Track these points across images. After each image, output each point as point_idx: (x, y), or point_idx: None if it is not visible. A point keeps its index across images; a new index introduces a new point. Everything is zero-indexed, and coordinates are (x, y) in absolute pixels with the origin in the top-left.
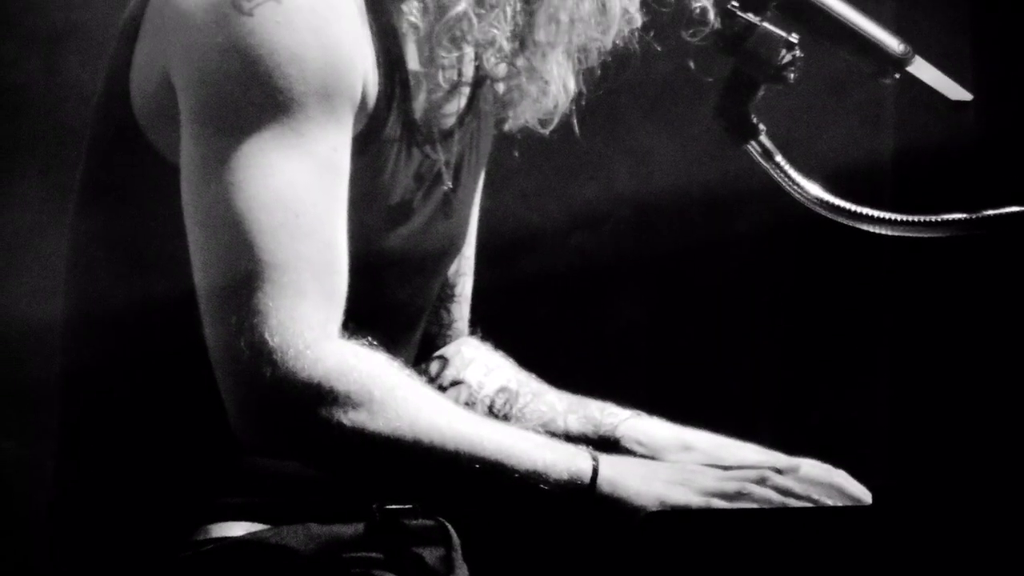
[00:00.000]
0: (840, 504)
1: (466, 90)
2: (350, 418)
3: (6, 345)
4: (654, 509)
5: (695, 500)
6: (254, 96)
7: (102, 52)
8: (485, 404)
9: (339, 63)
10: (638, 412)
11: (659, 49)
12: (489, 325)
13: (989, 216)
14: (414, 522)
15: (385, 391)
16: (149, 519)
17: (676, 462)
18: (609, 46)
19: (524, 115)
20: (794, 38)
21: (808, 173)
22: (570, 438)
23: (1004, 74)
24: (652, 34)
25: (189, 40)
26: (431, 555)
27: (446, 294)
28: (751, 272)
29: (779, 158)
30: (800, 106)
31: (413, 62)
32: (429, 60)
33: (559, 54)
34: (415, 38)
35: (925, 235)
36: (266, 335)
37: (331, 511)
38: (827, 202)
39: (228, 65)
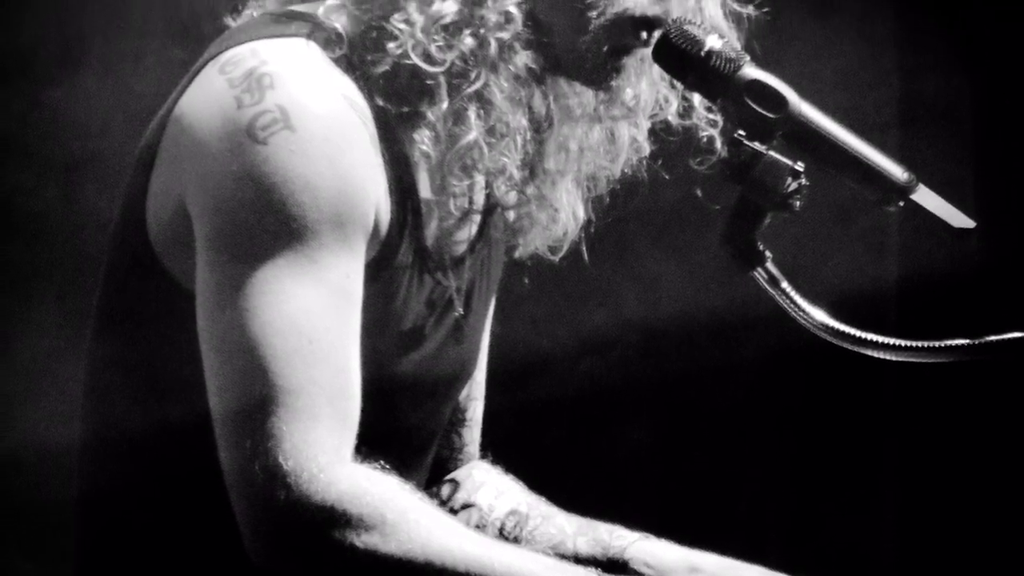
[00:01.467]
0: None
1: (477, 217)
2: (363, 540)
3: (25, 468)
4: None
5: None
6: (268, 224)
7: (118, 180)
8: (496, 527)
9: (352, 191)
10: (646, 534)
11: (667, 177)
12: (500, 449)
13: (992, 342)
14: None
15: (397, 514)
16: None
17: None
18: (618, 174)
19: (534, 242)
20: (800, 166)
21: (814, 299)
22: (579, 560)
23: (1006, 201)
24: (660, 162)
25: (204, 168)
26: None
27: (457, 418)
28: (758, 397)
29: (785, 284)
30: (806, 233)
31: (425, 190)
32: (441, 188)
33: (568, 182)
34: (427, 166)
35: (929, 360)
36: (280, 459)
37: None
38: (832, 328)
39: (243, 193)
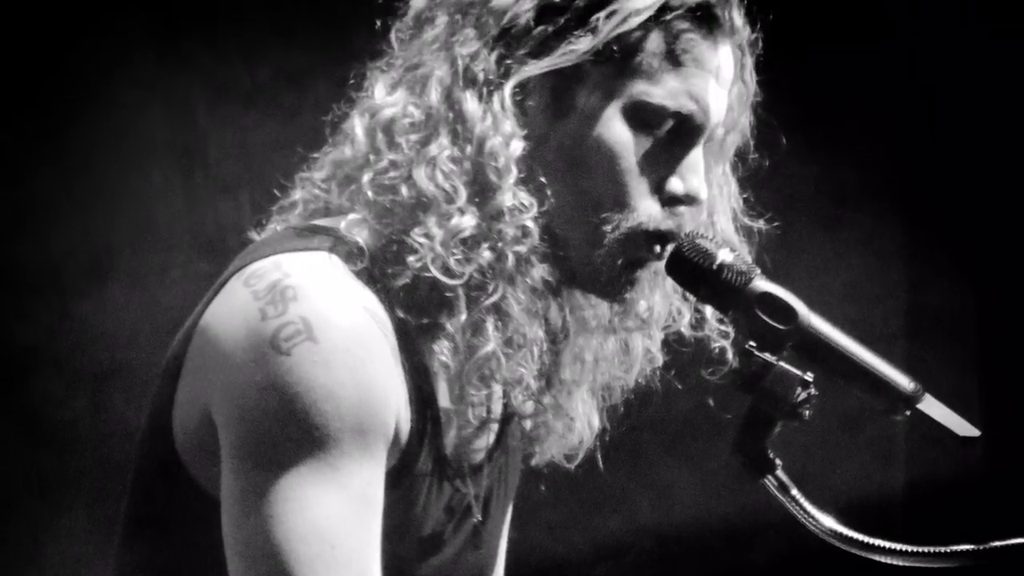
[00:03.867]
0: None
1: (495, 426)
2: None
3: None
4: None
5: None
6: (292, 432)
7: (146, 390)
8: None
9: (373, 401)
10: None
11: (680, 387)
12: None
13: (997, 547)
14: None
15: None
16: None
17: None
18: (632, 384)
19: (550, 450)
20: (809, 377)
21: (823, 506)
22: None
23: (1010, 411)
24: (673, 373)
25: (229, 379)
26: None
27: None
28: None
29: (795, 492)
30: (815, 441)
31: (444, 399)
32: (459, 398)
33: (584, 392)
34: (446, 376)
35: (936, 566)
36: None
37: None
38: (841, 534)
39: (267, 403)
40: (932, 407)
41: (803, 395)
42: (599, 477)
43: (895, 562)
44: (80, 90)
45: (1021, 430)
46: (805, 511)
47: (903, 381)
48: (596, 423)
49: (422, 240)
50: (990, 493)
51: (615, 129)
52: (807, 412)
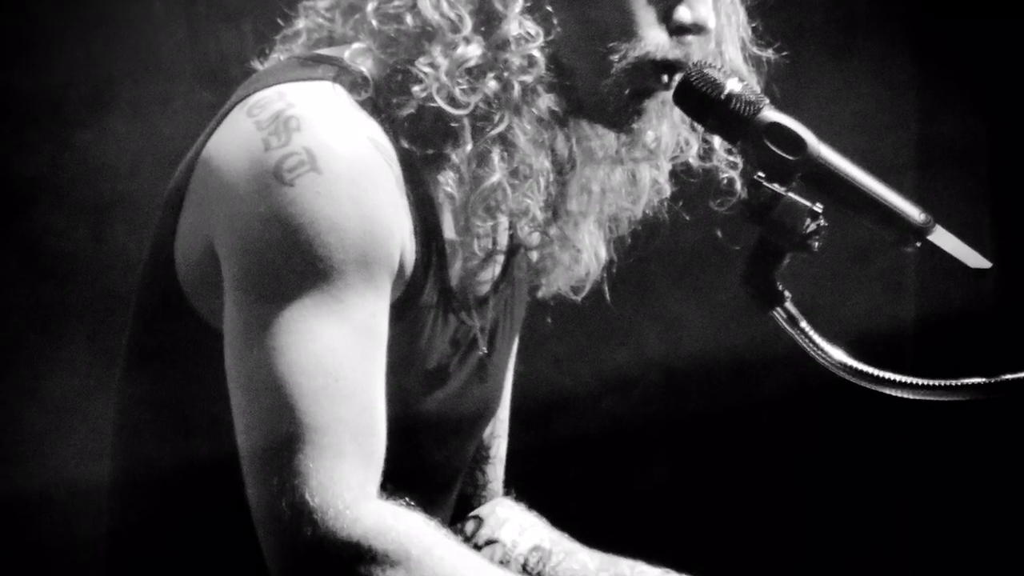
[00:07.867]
0: None
1: (500, 258)
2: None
3: (55, 505)
4: None
5: None
6: (295, 264)
7: (148, 221)
8: (519, 563)
9: (378, 232)
10: (667, 570)
11: (688, 218)
12: (523, 486)
13: (1008, 380)
14: None
15: (422, 550)
16: None
17: None
18: (639, 215)
19: (557, 282)
20: (818, 208)
21: (832, 338)
22: None
23: (1021, 242)
24: (681, 204)
25: (232, 210)
26: None
27: (481, 456)
28: (777, 435)
29: (804, 324)
30: (824, 273)
31: (449, 231)
32: (465, 229)
33: (591, 223)
34: (451, 208)
35: (946, 399)
36: (307, 495)
37: None
38: (850, 367)
39: (270, 234)
40: (943, 238)
41: (812, 226)
42: (606, 309)
43: (905, 395)
44: None
45: None
46: (814, 344)
47: (913, 212)
48: (603, 254)
49: (427, 70)
50: (1001, 325)
51: None
52: (816, 243)
